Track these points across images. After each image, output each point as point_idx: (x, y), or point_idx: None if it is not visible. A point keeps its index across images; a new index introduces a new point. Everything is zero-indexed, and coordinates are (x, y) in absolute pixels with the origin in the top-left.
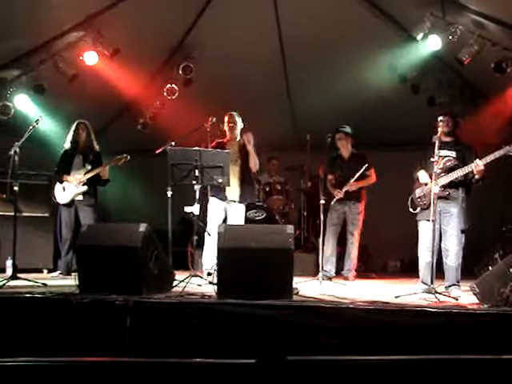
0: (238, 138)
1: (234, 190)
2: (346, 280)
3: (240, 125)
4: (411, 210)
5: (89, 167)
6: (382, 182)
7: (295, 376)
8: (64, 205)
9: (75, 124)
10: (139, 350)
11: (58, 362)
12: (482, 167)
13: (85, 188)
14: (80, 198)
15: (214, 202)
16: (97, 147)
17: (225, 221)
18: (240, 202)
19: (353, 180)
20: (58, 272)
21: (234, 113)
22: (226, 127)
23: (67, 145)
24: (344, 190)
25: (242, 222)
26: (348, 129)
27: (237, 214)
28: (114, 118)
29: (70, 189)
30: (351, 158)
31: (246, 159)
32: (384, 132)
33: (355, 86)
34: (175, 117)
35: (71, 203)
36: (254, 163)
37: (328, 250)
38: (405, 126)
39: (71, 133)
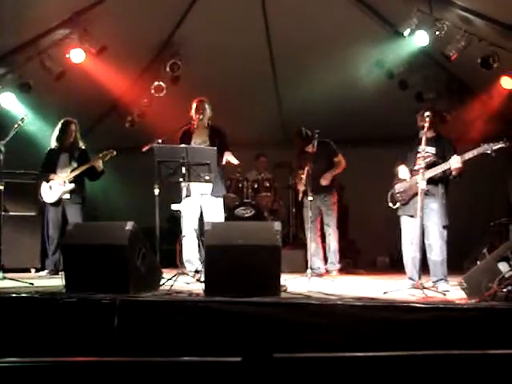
0: (206, 125)
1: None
2: (328, 274)
3: (209, 112)
4: (390, 204)
5: (75, 165)
6: (370, 178)
7: (281, 374)
8: (51, 204)
9: (63, 122)
10: (127, 349)
11: (44, 362)
12: (460, 164)
13: (72, 186)
14: (67, 196)
15: (186, 201)
16: (82, 145)
17: (201, 217)
18: (213, 195)
19: (328, 174)
20: (46, 271)
21: (204, 99)
22: (193, 113)
23: (53, 143)
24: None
25: (221, 216)
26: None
27: (214, 209)
28: (102, 116)
29: (56, 187)
30: (317, 149)
31: (220, 146)
32: (372, 128)
33: (343, 82)
34: (163, 114)
35: (58, 202)
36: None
37: (311, 247)
38: (393, 122)
39: (57, 131)
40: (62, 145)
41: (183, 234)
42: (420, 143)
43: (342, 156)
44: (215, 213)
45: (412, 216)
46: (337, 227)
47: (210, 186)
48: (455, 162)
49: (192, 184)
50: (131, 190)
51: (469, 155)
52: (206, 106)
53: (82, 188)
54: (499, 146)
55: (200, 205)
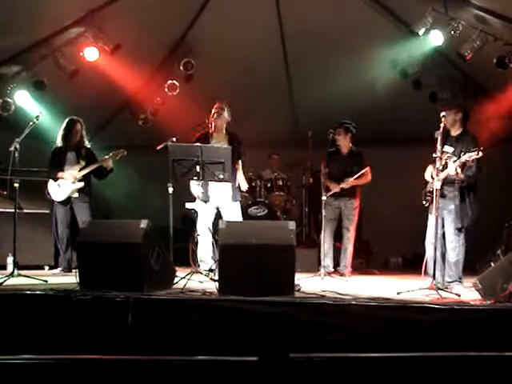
0: (224, 130)
1: (223, 187)
2: (342, 276)
3: (227, 117)
4: (424, 202)
5: (83, 163)
6: (384, 178)
7: (297, 373)
8: (60, 202)
9: (68, 121)
10: (140, 347)
11: (58, 360)
12: (454, 172)
13: (81, 184)
14: (76, 195)
15: (201, 205)
16: (88, 143)
17: (216, 217)
18: (231, 199)
19: (352, 179)
20: (60, 269)
21: (223, 104)
22: (212, 117)
23: (59, 142)
24: (340, 187)
25: (239, 219)
26: (350, 125)
27: (232, 213)
28: (115, 114)
29: (65, 186)
30: (349, 155)
31: (234, 153)
32: (385, 128)
33: (357, 81)
34: (176, 113)
35: (67, 201)
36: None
37: (325, 245)
38: (406, 122)
39: (62, 130)
40: (68, 144)
41: (197, 233)
42: (444, 143)
43: (369, 171)
44: (233, 217)
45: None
46: (355, 231)
47: (227, 190)
48: (451, 170)
49: (210, 187)
50: (144, 189)
51: (458, 163)
52: (225, 111)
53: (89, 187)
54: (473, 156)
55: (217, 206)
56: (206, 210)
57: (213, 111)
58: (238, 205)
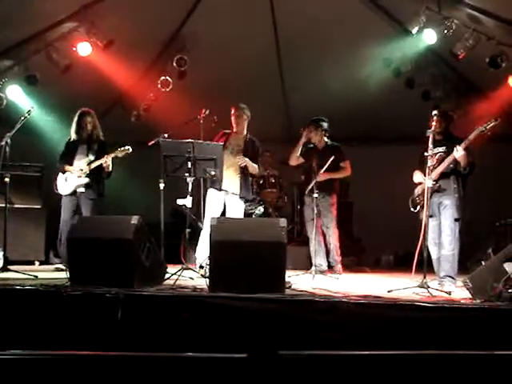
0: (245, 132)
1: (234, 183)
2: (332, 271)
3: (247, 118)
4: (412, 209)
5: (92, 157)
6: (376, 176)
7: (287, 371)
8: (66, 196)
9: (78, 113)
10: (130, 343)
11: (48, 356)
12: (462, 152)
13: (86, 180)
14: (82, 190)
15: (212, 194)
16: (102, 136)
17: (223, 214)
18: (240, 197)
19: (322, 171)
20: (63, 264)
21: (241, 105)
22: (232, 119)
23: (72, 135)
24: (314, 181)
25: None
26: (320, 120)
27: (236, 210)
28: (108, 110)
29: (71, 179)
30: (324, 150)
31: (250, 155)
32: (379, 126)
33: (349, 79)
34: (169, 109)
35: (73, 194)
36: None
37: (313, 244)
38: (400, 120)
39: (74, 123)
40: (80, 137)
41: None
42: (433, 145)
43: (349, 164)
44: (237, 213)
45: (431, 216)
46: (336, 227)
47: (238, 186)
48: (457, 151)
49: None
50: (136, 185)
51: (466, 142)
52: (243, 111)
53: (98, 183)
54: (492, 123)
55: (224, 201)
56: (214, 206)
57: (231, 114)
58: (242, 204)
